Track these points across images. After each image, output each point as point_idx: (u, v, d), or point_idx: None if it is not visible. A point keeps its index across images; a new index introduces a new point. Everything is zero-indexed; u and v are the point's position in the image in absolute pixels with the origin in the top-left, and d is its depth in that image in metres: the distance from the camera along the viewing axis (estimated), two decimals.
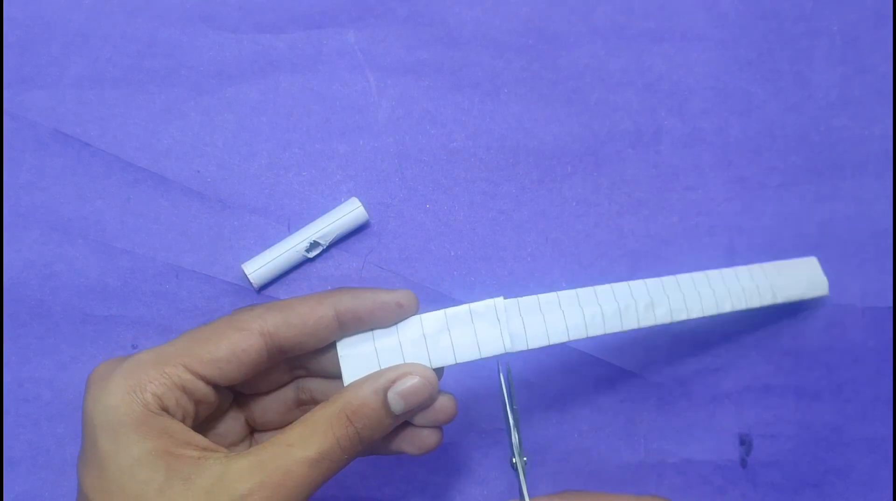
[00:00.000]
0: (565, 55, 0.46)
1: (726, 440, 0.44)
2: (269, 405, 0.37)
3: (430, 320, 0.35)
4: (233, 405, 0.36)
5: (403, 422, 0.34)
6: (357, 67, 0.46)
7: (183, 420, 0.32)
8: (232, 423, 0.36)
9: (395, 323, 0.34)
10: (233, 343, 0.32)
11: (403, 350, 0.34)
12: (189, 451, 0.31)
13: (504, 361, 0.38)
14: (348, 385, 0.33)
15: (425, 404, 0.33)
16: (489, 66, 0.46)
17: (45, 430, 0.42)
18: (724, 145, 0.46)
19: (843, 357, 0.45)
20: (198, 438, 0.32)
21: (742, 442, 0.44)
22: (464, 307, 0.35)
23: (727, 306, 0.40)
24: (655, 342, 0.45)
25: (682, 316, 0.38)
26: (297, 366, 0.36)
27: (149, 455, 0.30)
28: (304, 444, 0.31)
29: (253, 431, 0.37)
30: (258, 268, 0.43)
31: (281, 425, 0.37)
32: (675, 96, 0.46)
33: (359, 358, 0.34)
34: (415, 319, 0.35)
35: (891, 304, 0.45)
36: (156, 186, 0.44)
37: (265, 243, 0.44)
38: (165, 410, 0.31)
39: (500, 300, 0.35)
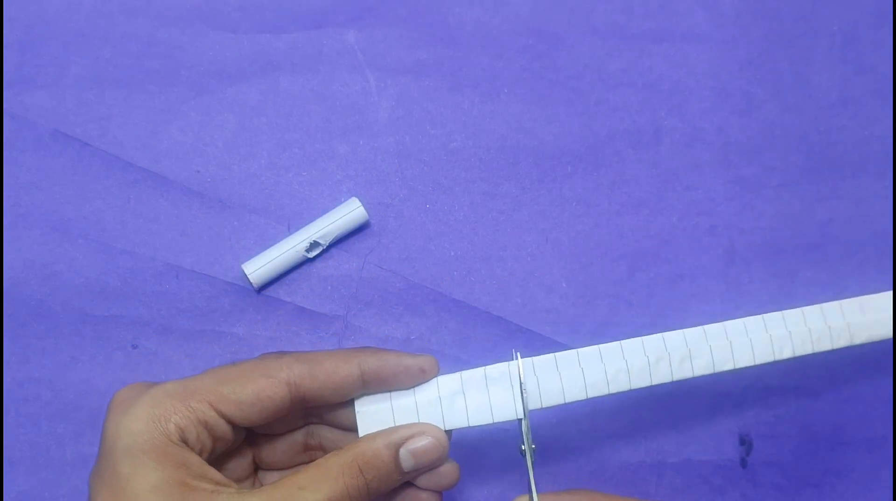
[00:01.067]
0: (565, 55, 0.46)
1: (726, 440, 0.44)
2: (277, 447, 0.38)
3: (446, 382, 0.36)
4: (243, 442, 0.37)
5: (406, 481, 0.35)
6: (357, 67, 0.46)
7: (200, 454, 0.33)
8: (240, 460, 0.37)
9: (415, 386, 0.36)
10: (259, 388, 0.33)
11: (419, 410, 0.35)
12: (204, 484, 0.32)
13: (514, 346, 0.39)
14: (362, 437, 0.34)
15: (435, 464, 0.34)
16: (489, 66, 0.46)
17: (45, 430, 0.42)
18: (724, 145, 0.46)
19: (843, 358, 0.45)
20: (212, 472, 0.33)
21: (742, 442, 0.44)
22: (479, 371, 0.36)
23: (787, 353, 0.38)
24: None
25: (728, 366, 0.37)
26: (312, 414, 0.37)
27: (165, 483, 0.31)
28: (315, 488, 0.32)
29: (257, 469, 0.38)
30: (258, 268, 0.43)
31: (287, 466, 0.38)
32: (675, 96, 0.46)
33: (375, 415, 0.35)
34: (431, 380, 0.36)
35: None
36: (156, 186, 0.44)
37: (265, 243, 0.44)
38: (185, 442, 0.32)
39: (513, 364, 0.36)
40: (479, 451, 0.44)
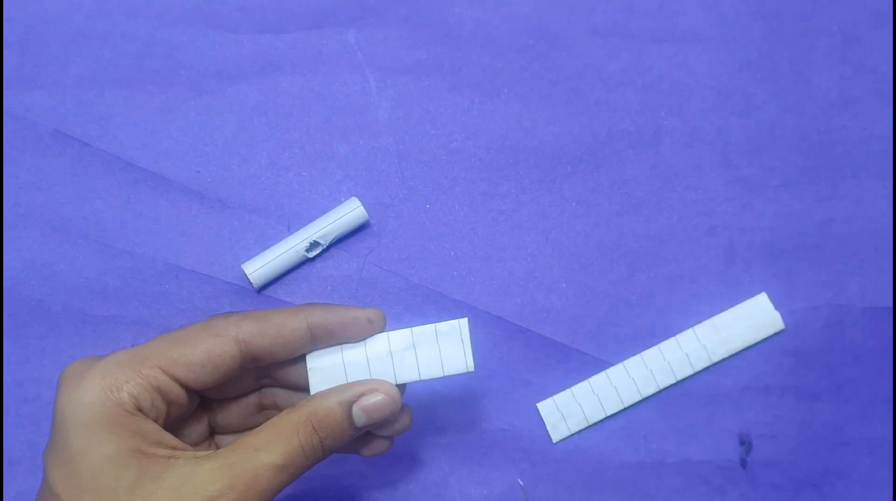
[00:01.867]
0: (565, 55, 0.46)
1: (726, 440, 0.44)
2: (232, 410, 0.38)
3: (397, 337, 0.36)
4: (198, 408, 0.37)
5: None
6: (357, 67, 0.46)
7: (156, 420, 0.33)
8: (195, 425, 0.37)
9: (364, 339, 0.36)
10: (208, 348, 0.33)
11: (370, 365, 0.36)
12: (160, 450, 0.32)
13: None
14: (315, 395, 0.34)
15: (388, 419, 0.35)
16: (489, 66, 0.46)
17: (45, 430, 0.42)
18: (724, 145, 0.46)
19: (843, 357, 0.45)
20: (168, 437, 0.33)
21: (742, 442, 0.44)
22: (429, 327, 0.36)
23: (687, 371, 0.44)
24: (655, 342, 0.45)
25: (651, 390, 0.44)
26: (264, 375, 0.37)
27: (120, 453, 0.31)
28: (270, 449, 0.32)
29: (213, 433, 0.38)
30: (258, 268, 0.43)
31: (242, 428, 0.38)
32: (675, 96, 0.46)
33: (326, 371, 0.36)
34: (382, 336, 0.36)
35: (890, 304, 0.45)
36: (156, 186, 0.44)
37: (265, 243, 0.44)
38: (140, 410, 0.32)
39: (464, 321, 0.36)
40: (478, 451, 0.44)
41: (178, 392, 0.33)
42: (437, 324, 0.36)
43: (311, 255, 0.44)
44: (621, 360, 0.44)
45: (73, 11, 0.45)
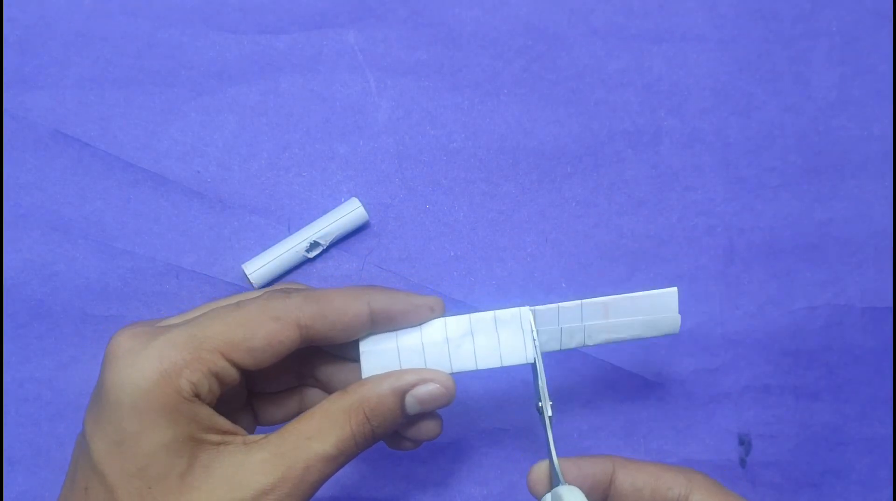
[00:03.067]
0: (565, 56, 0.46)
1: (725, 439, 0.44)
2: (275, 403, 0.38)
3: (454, 323, 0.35)
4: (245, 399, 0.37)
5: None
6: (357, 68, 0.46)
7: (210, 404, 0.32)
8: (245, 415, 0.37)
9: (422, 324, 0.35)
10: (270, 334, 0.32)
11: (425, 352, 0.34)
12: (212, 437, 0.31)
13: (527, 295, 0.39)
14: (366, 379, 0.33)
15: (440, 408, 0.34)
16: (489, 66, 0.46)
17: (46, 430, 0.42)
18: (724, 146, 0.46)
19: (843, 357, 0.45)
20: (221, 421, 0.32)
21: (741, 442, 0.44)
22: (489, 314, 0.35)
23: (553, 346, 0.36)
24: (655, 342, 0.45)
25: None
26: (308, 375, 0.37)
27: (175, 441, 0.30)
28: (322, 438, 0.31)
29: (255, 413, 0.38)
30: (258, 268, 0.43)
31: (284, 420, 0.37)
32: (675, 97, 0.46)
33: (380, 355, 0.34)
34: (438, 321, 0.35)
35: (890, 304, 0.45)
36: (156, 186, 0.44)
37: (265, 244, 0.44)
38: (198, 396, 0.31)
39: (525, 310, 0.35)
40: (478, 451, 0.44)
41: (233, 375, 0.32)
42: (497, 311, 0.35)
43: (311, 255, 0.44)
44: (622, 361, 0.44)
45: (73, 12, 0.45)
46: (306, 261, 0.44)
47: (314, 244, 0.43)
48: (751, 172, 0.46)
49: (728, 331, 0.45)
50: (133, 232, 0.44)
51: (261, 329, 0.32)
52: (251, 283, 0.43)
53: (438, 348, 0.34)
